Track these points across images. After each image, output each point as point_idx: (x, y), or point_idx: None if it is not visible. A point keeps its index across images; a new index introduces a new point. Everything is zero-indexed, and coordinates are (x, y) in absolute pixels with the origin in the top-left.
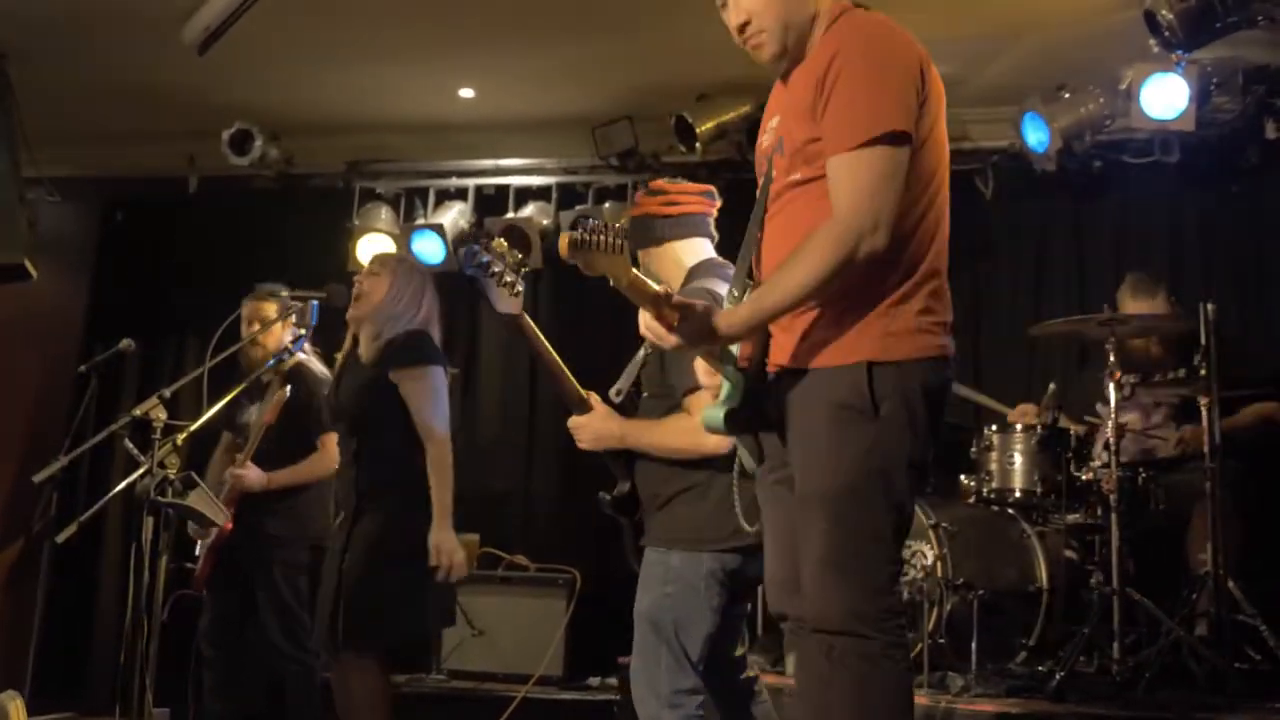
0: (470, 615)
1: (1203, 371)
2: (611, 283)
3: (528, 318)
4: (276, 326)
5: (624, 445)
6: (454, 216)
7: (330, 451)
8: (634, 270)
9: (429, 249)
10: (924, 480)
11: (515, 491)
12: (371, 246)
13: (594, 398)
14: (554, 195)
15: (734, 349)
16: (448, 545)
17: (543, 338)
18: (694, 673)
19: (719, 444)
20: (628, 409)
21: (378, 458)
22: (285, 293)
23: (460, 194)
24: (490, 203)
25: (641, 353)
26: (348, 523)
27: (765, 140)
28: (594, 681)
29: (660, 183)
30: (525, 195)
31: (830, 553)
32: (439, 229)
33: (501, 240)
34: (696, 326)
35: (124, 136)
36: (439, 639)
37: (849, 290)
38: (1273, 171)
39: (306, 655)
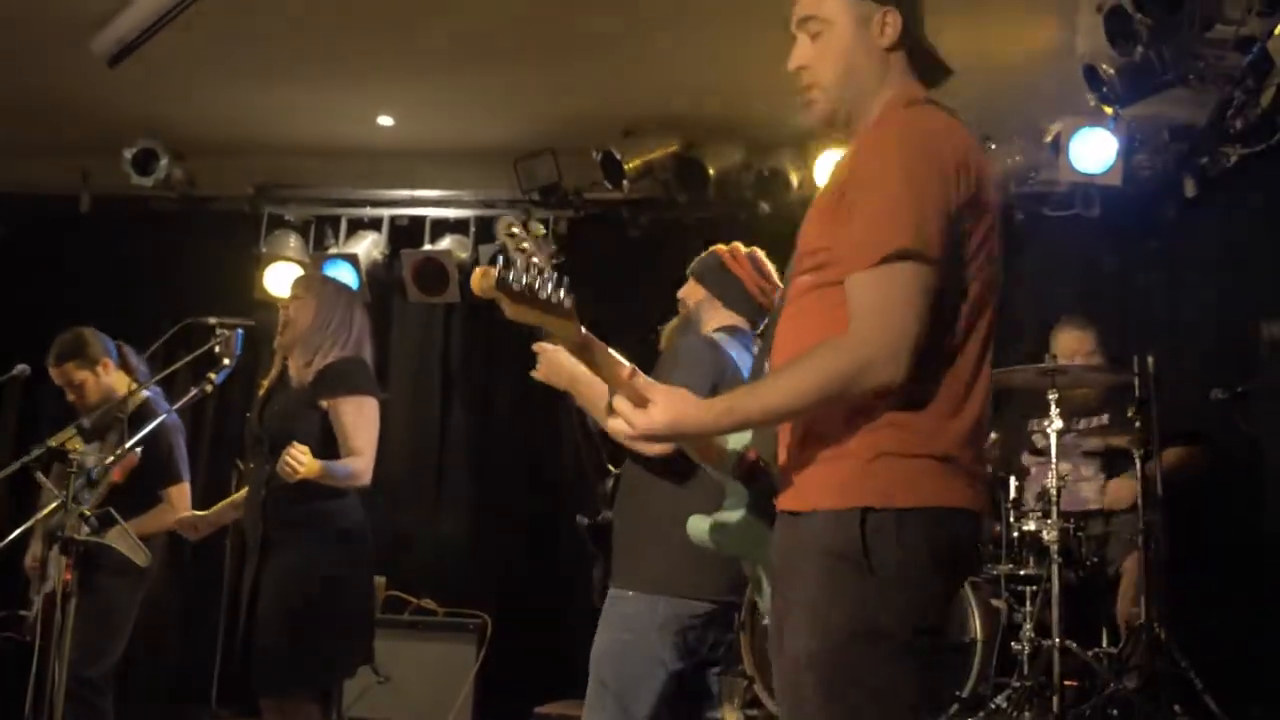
0: (375, 661)
1: (1137, 424)
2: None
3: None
4: (104, 376)
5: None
6: (367, 247)
7: (176, 506)
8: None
9: (343, 280)
10: (939, 646)
11: (423, 532)
12: (280, 275)
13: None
14: (472, 228)
15: (737, 447)
16: None
17: None
18: None
19: None
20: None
21: (291, 486)
22: (212, 321)
23: (374, 224)
24: (405, 234)
25: None
26: (255, 558)
27: None
28: None
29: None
30: (442, 227)
31: None
32: (353, 259)
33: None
34: (670, 411)
35: (14, 149)
36: (340, 686)
37: (858, 420)
38: (1190, 228)
39: (90, 695)
